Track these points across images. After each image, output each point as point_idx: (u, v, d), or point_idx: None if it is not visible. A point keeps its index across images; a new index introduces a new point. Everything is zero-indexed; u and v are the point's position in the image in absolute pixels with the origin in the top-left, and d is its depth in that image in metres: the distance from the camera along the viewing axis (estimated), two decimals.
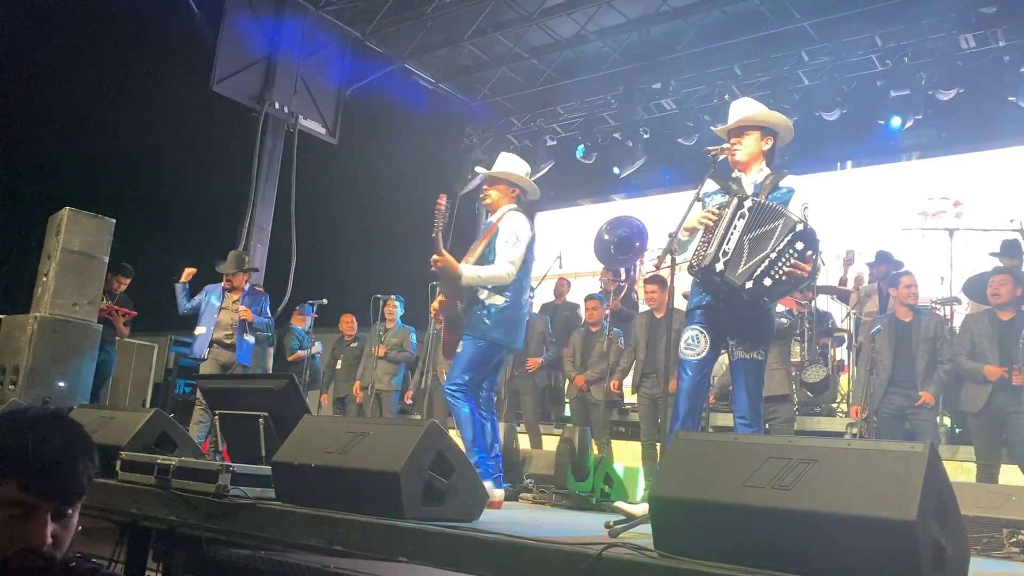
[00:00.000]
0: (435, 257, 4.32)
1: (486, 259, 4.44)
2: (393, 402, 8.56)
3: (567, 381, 8.15)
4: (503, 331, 4.39)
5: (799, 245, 3.54)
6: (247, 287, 7.56)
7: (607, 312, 7.79)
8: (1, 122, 11.51)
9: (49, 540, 1.46)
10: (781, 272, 3.55)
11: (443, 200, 4.37)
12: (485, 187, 4.67)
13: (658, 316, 7.19)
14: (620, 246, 9.36)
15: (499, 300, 4.40)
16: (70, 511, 1.51)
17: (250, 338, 7.27)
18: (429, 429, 3.02)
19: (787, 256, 3.54)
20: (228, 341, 7.26)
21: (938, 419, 6.55)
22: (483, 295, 4.43)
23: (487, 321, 4.37)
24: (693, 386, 3.82)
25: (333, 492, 3.01)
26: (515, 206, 4.59)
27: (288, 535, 2.96)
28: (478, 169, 4.83)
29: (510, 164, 4.68)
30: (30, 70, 11.19)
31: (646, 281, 7.54)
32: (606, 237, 9.40)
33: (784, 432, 6.26)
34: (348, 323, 9.31)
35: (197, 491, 3.24)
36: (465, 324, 4.43)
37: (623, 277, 9.42)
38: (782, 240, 3.55)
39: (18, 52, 11.09)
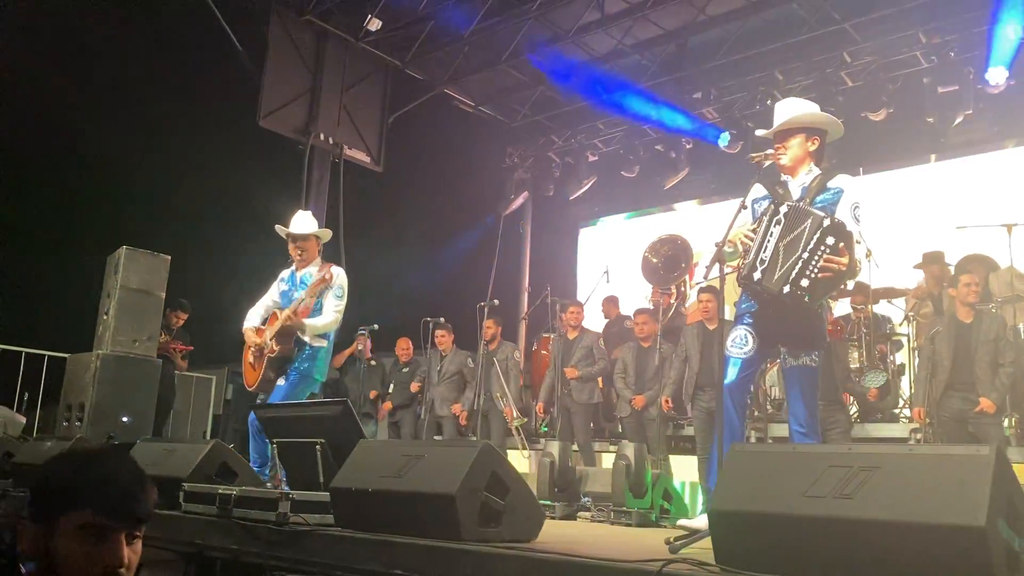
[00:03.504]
0: (289, 313, 5.10)
1: (319, 308, 5.22)
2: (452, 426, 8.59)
3: (617, 397, 8.05)
4: (321, 370, 5.23)
5: (829, 240, 3.51)
6: None
7: (659, 327, 7.72)
8: (58, 168, 11.93)
9: (126, 560, 1.58)
10: (815, 270, 3.52)
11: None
12: (295, 245, 5.40)
13: (711, 327, 7.08)
14: (667, 264, 9.36)
15: (323, 343, 5.25)
16: (138, 535, 1.61)
17: None
18: (483, 450, 3.02)
19: (820, 253, 3.51)
20: None
21: (1005, 421, 6.34)
22: (310, 339, 5.17)
23: (311, 361, 5.17)
24: (736, 383, 3.80)
25: (391, 516, 3.03)
26: (321, 261, 5.47)
27: (348, 560, 2.99)
28: (279, 229, 5.52)
29: (310, 221, 5.51)
30: (82, 114, 11.57)
31: (700, 291, 7.46)
32: (654, 260, 9.42)
33: (841, 441, 6.12)
34: (404, 348, 9.26)
35: (258, 519, 3.29)
36: (291, 362, 5.14)
37: (675, 295, 9.38)
38: (812, 238, 3.52)
39: (70, 97, 11.49)
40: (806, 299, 3.56)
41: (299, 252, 5.43)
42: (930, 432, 6.70)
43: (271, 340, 5.19)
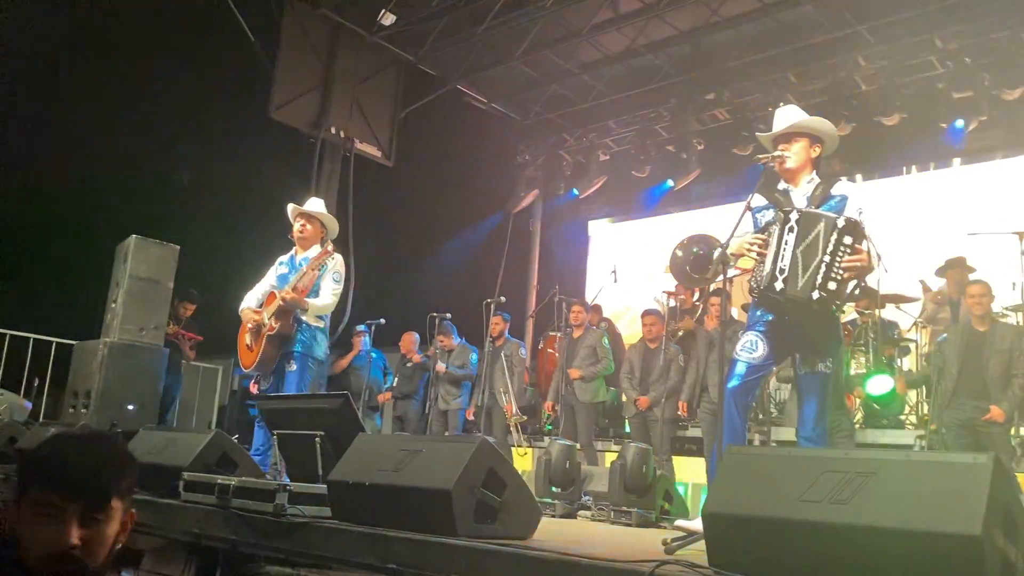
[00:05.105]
0: (288, 290, 5.17)
1: (316, 291, 5.29)
2: (459, 420, 8.61)
3: (623, 397, 8.04)
4: (321, 349, 5.39)
5: (847, 239, 3.51)
6: None
7: (667, 328, 7.71)
8: (68, 155, 11.97)
9: (75, 541, 1.56)
10: (840, 271, 3.50)
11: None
12: (302, 223, 5.46)
13: (709, 327, 7.10)
14: (696, 264, 9.24)
15: (321, 323, 5.39)
16: (100, 518, 1.59)
17: None
18: (480, 446, 3.01)
19: (840, 254, 3.50)
20: None
21: (1012, 430, 6.29)
22: (308, 319, 5.30)
23: (313, 342, 5.30)
24: (741, 387, 3.73)
25: (387, 510, 3.03)
26: (329, 246, 5.51)
27: (343, 553, 2.98)
28: (292, 207, 5.61)
29: (323, 206, 5.62)
30: (94, 104, 11.61)
31: (711, 294, 7.47)
32: (679, 253, 9.30)
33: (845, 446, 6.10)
34: (408, 343, 9.29)
35: (256, 510, 3.29)
36: (291, 341, 5.24)
37: (696, 297, 9.29)
38: (829, 240, 3.52)
39: (83, 85, 11.53)
40: (835, 303, 3.55)
41: (302, 229, 5.46)
42: (936, 439, 6.66)
43: (270, 318, 5.24)
